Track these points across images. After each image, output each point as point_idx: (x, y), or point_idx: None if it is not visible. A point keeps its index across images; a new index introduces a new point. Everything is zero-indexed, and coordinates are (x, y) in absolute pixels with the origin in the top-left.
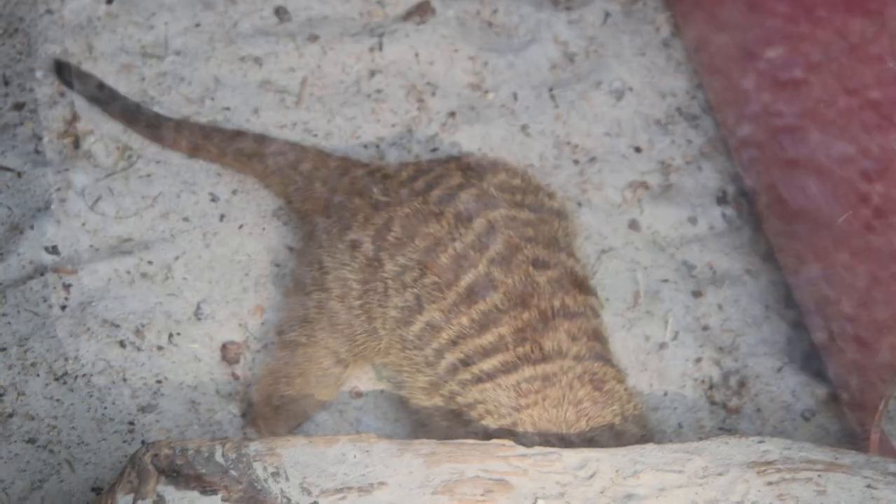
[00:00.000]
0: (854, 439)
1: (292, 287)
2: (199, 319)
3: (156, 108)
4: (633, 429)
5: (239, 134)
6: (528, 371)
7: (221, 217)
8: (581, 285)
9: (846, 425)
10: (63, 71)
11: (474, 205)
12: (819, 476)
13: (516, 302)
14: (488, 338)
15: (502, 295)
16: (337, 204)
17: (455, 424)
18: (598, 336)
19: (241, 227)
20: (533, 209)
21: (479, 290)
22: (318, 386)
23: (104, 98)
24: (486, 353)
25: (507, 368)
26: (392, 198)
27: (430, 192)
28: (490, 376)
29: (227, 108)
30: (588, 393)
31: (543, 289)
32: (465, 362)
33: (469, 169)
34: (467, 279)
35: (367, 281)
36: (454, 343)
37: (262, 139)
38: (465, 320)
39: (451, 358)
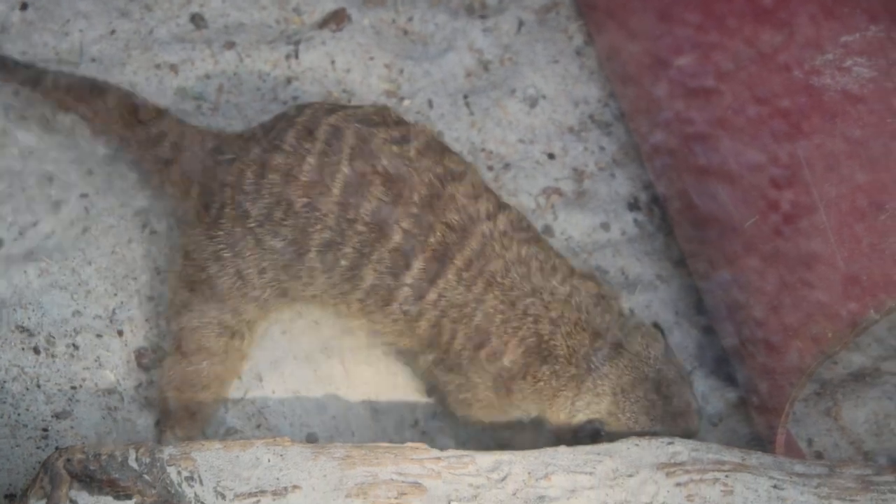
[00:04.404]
0: (762, 442)
1: (169, 278)
2: (114, 325)
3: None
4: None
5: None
6: (458, 260)
7: (143, 226)
8: (446, 147)
9: (755, 429)
10: None
11: (311, 117)
12: (726, 476)
13: (399, 188)
14: (395, 238)
15: (381, 186)
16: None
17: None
18: (485, 185)
19: (153, 233)
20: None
21: (354, 191)
22: (221, 365)
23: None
24: (405, 255)
25: (437, 268)
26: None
27: (268, 133)
28: (429, 283)
29: None
30: (521, 238)
31: (418, 162)
32: (393, 272)
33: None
34: (337, 184)
35: (236, 240)
36: (362, 254)
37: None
38: (359, 227)
39: (371, 272)
